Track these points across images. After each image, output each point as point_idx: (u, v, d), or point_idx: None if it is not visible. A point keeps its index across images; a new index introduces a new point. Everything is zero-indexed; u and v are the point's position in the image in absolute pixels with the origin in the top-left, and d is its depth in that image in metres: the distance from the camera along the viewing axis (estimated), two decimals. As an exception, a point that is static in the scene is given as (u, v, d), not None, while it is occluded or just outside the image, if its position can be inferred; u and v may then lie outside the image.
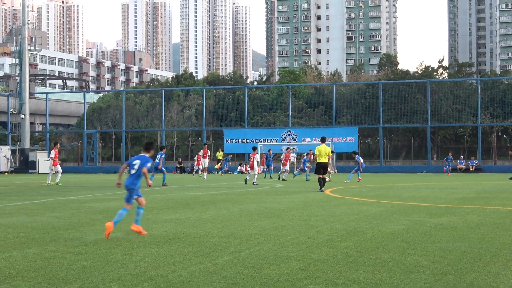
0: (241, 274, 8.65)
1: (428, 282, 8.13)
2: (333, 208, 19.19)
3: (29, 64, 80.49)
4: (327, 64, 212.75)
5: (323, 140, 28.34)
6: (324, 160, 27.44)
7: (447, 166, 57.70)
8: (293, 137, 65.26)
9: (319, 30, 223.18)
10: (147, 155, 13.00)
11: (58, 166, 37.18)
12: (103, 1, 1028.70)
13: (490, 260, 9.65)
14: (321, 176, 27.51)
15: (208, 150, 46.02)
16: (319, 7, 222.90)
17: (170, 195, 26.06)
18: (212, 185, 35.62)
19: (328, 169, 29.84)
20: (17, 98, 70.34)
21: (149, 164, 12.84)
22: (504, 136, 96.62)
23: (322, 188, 27.49)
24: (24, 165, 67.67)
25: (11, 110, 73.34)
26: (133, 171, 12.75)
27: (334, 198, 24.27)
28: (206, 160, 45.68)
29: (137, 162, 12.77)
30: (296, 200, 23.09)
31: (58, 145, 39.28)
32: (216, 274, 8.66)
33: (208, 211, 18.44)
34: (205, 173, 44.73)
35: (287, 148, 52.49)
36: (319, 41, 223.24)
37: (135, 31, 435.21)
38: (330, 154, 28.08)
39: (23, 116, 68.22)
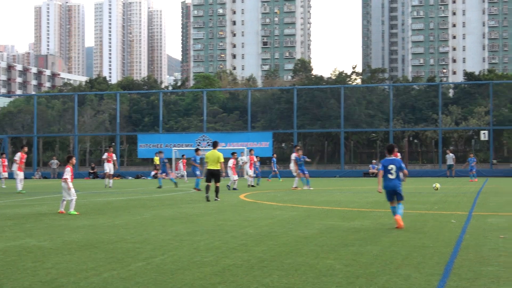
0: (155, 280, 8.57)
1: (340, 285, 8.21)
2: (247, 213, 19.21)
3: None
4: (242, 69, 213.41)
5: (214, 145, 26.16)
6: (213, 166, 25.23)
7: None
8: (208, 142, 65.16)
9: (235, 35, 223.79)
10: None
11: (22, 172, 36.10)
12: (15, 3, 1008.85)
13: (402, 263, 9.80)
14: (209, 183, 25.35)
15: (114, 154, 44.38)
16: (234, 13, 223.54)
17: (83, 201, 25.67)
18: (126, 191, 35.27)
19: (235, 176, 28.85)
20: None
21: None
22: (415, 140, 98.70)
23: (207, 195, 25.14)
24: None
25: None
26: None
27: (248, 203, 24.32)
28: (111, 165, 42.70)
29: None
30: (211, 205, 23.03)
31: (26, 149, 38.30)
32: (129, 281, 8.56)
33: (121, 217, 18.24)
34: (111, 180, 41.51)
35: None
36: (234, 46, 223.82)
37: (48, 34, 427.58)
38: (222, 160, 25.45)
39: None
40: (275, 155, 52.37)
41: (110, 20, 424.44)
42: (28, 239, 12.79)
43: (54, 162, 69.68)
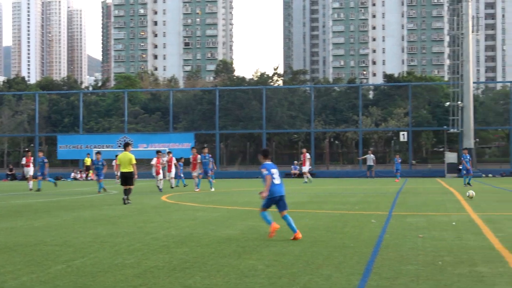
0: (75, 283, 8.44)
1: (263, 286, 8.22)
2: (169, 214, 19.11)
3: None
4: (164, 69, 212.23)
5: (125, 147, 25.25)
6: (125, 169, 24.57)
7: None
8: (168, 152, 64.63)
9: (156, 35, 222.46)
10: None
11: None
12: None
13: (323, 262, 9.87)
14: (124, 187, 24.59)
15: (32, 158, 43.55)
16: (156, 13, 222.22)
17: (1, 203, 25.15)
18: (45, 193, 34.70)
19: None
20: None
21: None
22: (336, 142, 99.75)
23: (125, 197, 24.23)
24: None
25: None
26: None
27: (170, 204, 24.20)
28: (30, 168, 42.17)
29: None
30: (132, 206, 22.84)
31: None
32: (48, 284, 8.40)
33: (40, 219, 17.93)
34: (31, 182, 40.29)
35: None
36: (156, 46, 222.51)
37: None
38: (134, 162, 24.62)
39: None
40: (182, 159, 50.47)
41: (28, 19, 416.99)
42: None
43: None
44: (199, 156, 36.26)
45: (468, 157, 38.77)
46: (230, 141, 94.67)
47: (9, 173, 66.63)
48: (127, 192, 24.38)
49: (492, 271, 9.12)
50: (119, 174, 25.69)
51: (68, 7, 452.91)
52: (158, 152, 38.26)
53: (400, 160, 53.18)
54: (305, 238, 12.81)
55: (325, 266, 9.56)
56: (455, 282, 8.38)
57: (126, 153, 24.74)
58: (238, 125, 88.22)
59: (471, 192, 23.47)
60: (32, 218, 18.27)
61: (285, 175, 61.93)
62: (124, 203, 23.84)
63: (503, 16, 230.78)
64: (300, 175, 63.92)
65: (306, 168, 46.69)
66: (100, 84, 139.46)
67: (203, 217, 17.93)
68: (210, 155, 37.10)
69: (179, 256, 10.67)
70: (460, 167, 60.08)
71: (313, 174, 64.21)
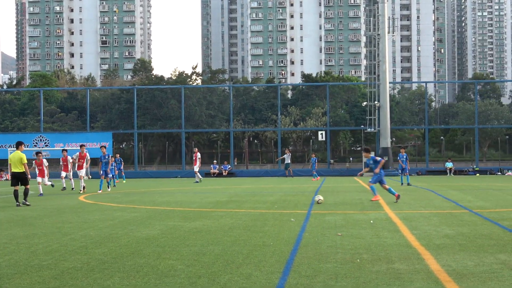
0: (-10, 286, 8.27)
1: (182, 286, 8.19)
2: (87, 215, 18.87)
3: None
4: (81, 68, 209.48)
5: (17, 146, 23.72)
6: (17, 169, 23.22)
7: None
8: (45, 143, 63.58)
9: (72, 33, 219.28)
10: None
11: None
12: None
13: (243, 261, 9.89)
14: (15, 188, 23.28)
15: None
16: (72, 10, 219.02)
17: None
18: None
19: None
20: None
21: None
22: (255, 141, 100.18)
23: (18, 202, 23.09)
24: None
25: None
26: None
27: (88, 204, 23.90)
28: None
29: None
30: (49, 206, 22.48)
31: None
32: (-38, 287, 8.21)
33: (-47, 221, 17.48)
34: None
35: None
36: (72, 44, 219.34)
37: None
38: (25, 161, 23.34)
39: None
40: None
41: None
42: None
43: None
44: (69, 157, 35.93)
45: (405, 156, 38.60)
46: (149, 141, 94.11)
47: None
48: (22, 193, 23.42)
49: (409, 268, 9.28)
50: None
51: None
52: (63, 150, 37.38)
53: (316, 160, 53.67)
54: (225, 238, 12.81)
55: (245, 265, 9.57)
56: (373, 280, 8.51)
57: (17, 152, 23.45)
58: (157, 125, 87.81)
59: (320, 198, 22.71)
60: None
61: (204, 174, 61.84)
62: (18, 206, 22.77)
63: (418, 17, 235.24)
64: (220, 174, 64.02)
65: (196, 167, 46.73)
66: (15, 82, 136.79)
67: (122, 217, 17.76)
68: (110, 155, 36.09)
69: (97, 256, 10.54)
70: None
71: (232, 173, 64.41)
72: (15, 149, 23.74)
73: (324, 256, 10.38)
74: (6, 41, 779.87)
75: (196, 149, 48.35)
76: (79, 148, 40.48)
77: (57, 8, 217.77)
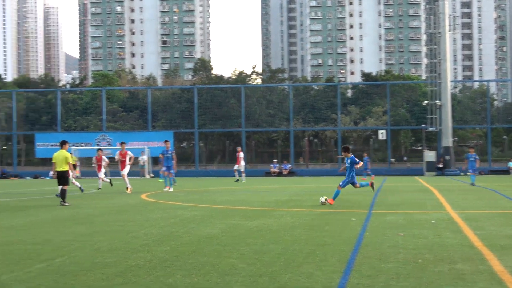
0: (56, 282, 8.38)
1: (243, 284, 8.20)
2: (149, 213, 19.04)
3: None
4: (142, 68, 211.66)
5: (62, 145, 23.71)
6: (61, 168, 23.20)
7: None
8: (107, 141, 64.41)
9: (133, 33, 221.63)
10: None
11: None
12: None
13: (304, 261, 9.86)
14: (62, 187, 23.23)
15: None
16: (133, 11, 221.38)
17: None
18: (20, 192, 34.48)
19: (72, 178, 26.10)
20: None
21: None
22: (315, 140, 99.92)
23: (62, 202, 22.94)
24: None
25: None
26: None
27: (150, 202, 24.12)
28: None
29: None
30: (111, 205, 22.75)
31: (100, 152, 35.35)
32: (29, 283, 8.34)
33: (19, 218, 17.81)
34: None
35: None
36: (133, 44, 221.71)
37: None
38: (71, 161, 23.52)
39: None
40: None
41: (4, 16, 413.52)
42: None
43: None
44: (103, 157, 35.26)
45: (474, 156, 37.86)
46: (209, 140, 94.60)
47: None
48: (63, 192, 23.26)
49: (472, 268, 9.16)
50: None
51: (44, 5, 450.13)
52: (99, 150, 36.72)
53: (368, 159, 52.97)
54: (286, 237, 12.80)
55: (306, 264, 9.55)
56: (435, 280, 8.41)
57: (62, 151, 23.42)
58: (217, 124, 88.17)
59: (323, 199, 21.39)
60: (10, 217, 18.15)
61: (264, 173, 61.96)
62: (64, 205, 22.69)
63: (479, 15, 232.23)
64: (280, 173, 64.04)
65: (238, 167, 46.79)
66: (77, 82, 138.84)
67: (183, 216, 17.87)
68: (173, 150, 34.76)
69: (159, 254, 10.63)
70: (440, 166, 60.55)
71: (292, 172, 64.40)
72: (60, 148, 23.71)
73: (385, 256, 10.30)
74: (69, 41, 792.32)
75: (239, 149, 48.44)
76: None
77: (118, 9, 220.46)
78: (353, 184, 21.88)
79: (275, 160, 69.75)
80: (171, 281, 8.39)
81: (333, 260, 9.88)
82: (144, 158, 58.46)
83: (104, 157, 35.26)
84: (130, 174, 34.25)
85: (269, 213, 18.48)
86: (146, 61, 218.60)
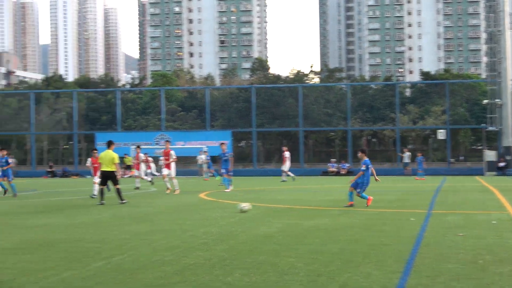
0: (115, 280, 8.48)
1: (302, 284, 8.19)
2: (207, 212, 19.14)
3: None
4: (200, 67, 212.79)
5: (108, 145, 24.16)
6: (107, 168, 23.43)
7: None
8: (166, 141, 64.92)
9: (192, 33, 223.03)
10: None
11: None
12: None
13: (362, 260, 9.82)
14: (102, 186, 23.55)
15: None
16: (191, 11, 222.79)
17: (39, 200, 25.40)
18: (81, 190, 34.95)
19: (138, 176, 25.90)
20: None
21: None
22: (374, 139, 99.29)
23: (103, 201, 23.00)
24: None
25: None
26: None
27: (208, 201, 24.25)
28: None
29: None
30: (169, 203, 22.93)
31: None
32: (89, 280, 8.46)
33: (79, 216, 18.08)
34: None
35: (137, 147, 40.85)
36: (192, 44, 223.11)
37: (2, 31, 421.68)
38: (117, 161, 23.63)
39: None
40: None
41: (65, 17, 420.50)
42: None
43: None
44: (141, 154, 35.72)
45: None
46: (267, 139, 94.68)
47: (49, 170, 67.32)
48: (102, 193, 23.24)
49: (535, 270, 9.01)
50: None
51: (104, 5, 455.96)
52: (137, 147, 36.86)
53: (422, 159, 52.23)
54: (343, 236, 12.76)
55: (364, 264, 9.51)
56: (496, 281, 8.30)
57: (109, 152, 23.74)
58: (275, 123, 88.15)
59: (243, 206, 18.86)
60: (71, 215, 18.44)
61: (322, 172, 61.78)
62: (103, 204, 22.68)
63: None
64: (338, 172, 63.81)
65: (285, 167, 46.69)
66: (137, 82, 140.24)
67: (242, 215, 17.91)
68: (230, 152, 34.53)
69: (218, 253, 10.68)
70: (501, 165, 59.63)
71: (351, 172, 64.06)
72: (107, 148, 23.95)
73: (445, 256, 10.19)
74: (128, 42, 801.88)
75: (285, 148, 48.26)
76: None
77: (176, 9, 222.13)
78: (356, 188, 20.90)
79: (333, 160, 69.48)
80: (230, 280, 8.42)
81: (391, 260, 9.82)
82: (202, 158, 58.69)
83: (141, 155, 35.77)
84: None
85: (326, 213, 18.45)
86: (204, 61, 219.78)
